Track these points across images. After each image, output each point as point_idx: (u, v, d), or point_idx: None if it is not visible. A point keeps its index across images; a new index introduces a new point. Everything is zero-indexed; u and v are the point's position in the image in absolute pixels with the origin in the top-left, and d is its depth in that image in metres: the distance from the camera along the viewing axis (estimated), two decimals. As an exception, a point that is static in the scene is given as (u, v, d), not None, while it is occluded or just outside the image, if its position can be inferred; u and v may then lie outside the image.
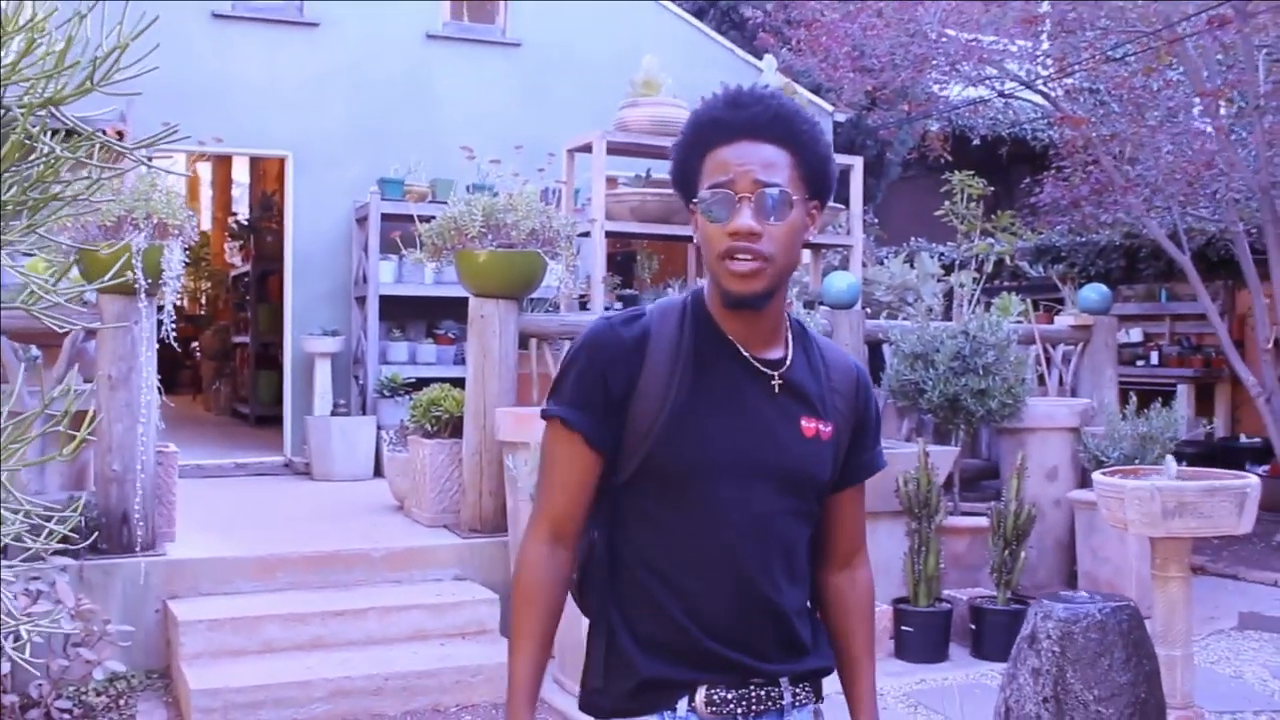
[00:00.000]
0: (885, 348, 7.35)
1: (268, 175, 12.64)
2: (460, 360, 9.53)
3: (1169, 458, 4.93)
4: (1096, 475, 4.87)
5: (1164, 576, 4.73)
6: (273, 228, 12.24)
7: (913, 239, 12.13)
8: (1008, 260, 9.28)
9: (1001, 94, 10.20)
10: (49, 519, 1.49)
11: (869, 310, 8.22)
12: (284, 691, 5.01)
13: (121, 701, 4.98)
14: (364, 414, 9.30)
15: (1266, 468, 9.49)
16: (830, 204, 7.72)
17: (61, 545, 1.57)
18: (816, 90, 11.00)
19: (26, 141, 1.51)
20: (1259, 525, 9.00)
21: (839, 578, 2.06)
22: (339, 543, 6.29)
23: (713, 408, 1.87)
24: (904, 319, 7.44)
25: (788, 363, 1.92)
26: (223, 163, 14.97)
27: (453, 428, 6.82)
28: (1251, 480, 4.65)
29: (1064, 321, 8.45)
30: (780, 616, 1.90)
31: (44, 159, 1.62)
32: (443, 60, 10.24)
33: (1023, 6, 9.32)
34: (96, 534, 5.52)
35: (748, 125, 1.82)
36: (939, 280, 7.93)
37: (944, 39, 9.38)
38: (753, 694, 1.87)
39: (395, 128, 9.91)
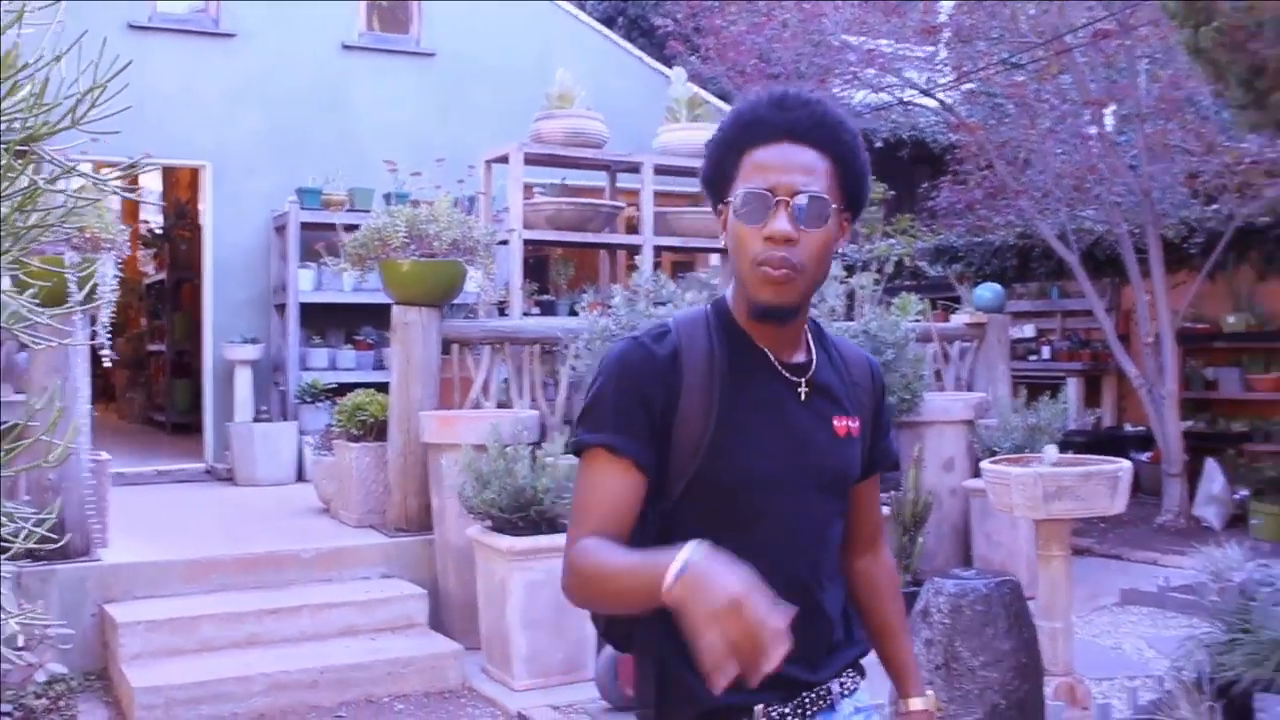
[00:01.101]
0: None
1: (180, 183, 12.70)
2: (379, 365, 9.75)
3: (1049, 445, 5.34)
4: (985, 464, 5.26)
5: (1047, 555, 5.13)
6: (187, 236, 12.31)
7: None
8: (907, 261, 9.71)
9: (902, 101, 10.63)
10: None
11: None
12: (223, 687, 5.22)
13: (61, 703, 5.16)
14: (285, 420, 9.46)
15: (1149, 454, 10.03)
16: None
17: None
18: (724, 97, 11.35)
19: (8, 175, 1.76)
20: (1142, 509, 9.62)
21: (865, 561, 2.09)
22: (269, 544, 6.50)
23: (754, 420, 1.85)
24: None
25: (813, 366, 1.90)
26: (99, 168, 14.92)
27: (377, 431, 7.05)
28: (1124, 465, 5.07)
29: (960, 320, 8.89)
30: (831, 619, 1.92)
31: (24, 190, 1.88)
32: (358, 70, 10.43)
33: (922, 19, 9.76)
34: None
35: (791, 128, 1.77)
36: (842, 281, 8.30)
37: (847, 48, 9.78)
38: (805, 699, 1.87)
39: (312, 137, 10.08)
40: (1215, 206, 9.47)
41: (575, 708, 5.34)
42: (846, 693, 1.93)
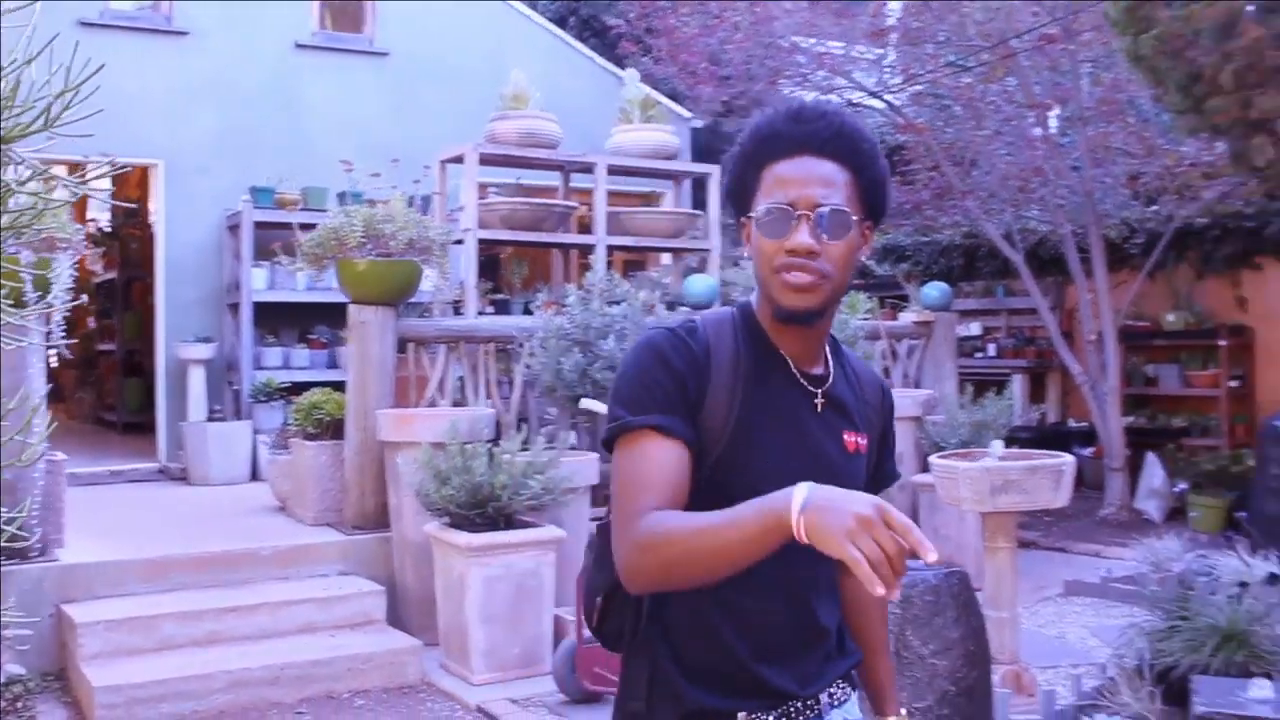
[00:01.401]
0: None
1: (129, 182, 12.62)
2: (333, 364, 9.77)
3: (995, 441, 5.49)
4: (933, 459, 5.41)
5: (993, 548, 5.29)
6: (137, 235, 12.24)
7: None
8: (855, 261, 9.86)
9: (851, 103, 10.76)
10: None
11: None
12: (184, 685, 5.25)
13: (19, 704, 5.16)
14: (239, 419, 9.45)
15: (1092, 450, 10.25)
16: (689, 210, 8.17)
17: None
18: (674, 97, 11.46)
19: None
20: (1085, 502, 9.83)
21: (856, 580, 1.94)
22: (227, 543, 6.52)
23: (769, 424, 1.86)
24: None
25: (830, 378, 1.91)
26: (75, 168, 14.80)
27: (334, 430, 7.09)
28: (1067, 459, 5.24)
29: (908, 318, 9.05)
30: (824, 634, 1.93)
31: None
32: (312, 69, 10.44)
33: (870, 21, 9.91)
34: (-11, 541, 5.67)
35: (810, 140, 1.79)
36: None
37: (797, 50, 9.91)
38: (790, 709, 1.87)
39: (266, 136, 10.07)
40: (1155, 208, 9.69)
41: (533, 700, 5.42)
42: (836, 704, 1.94)
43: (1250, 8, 6.05)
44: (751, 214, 1.81)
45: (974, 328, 12.09)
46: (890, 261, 11.78)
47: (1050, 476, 5.13)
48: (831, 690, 1.92)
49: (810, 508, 1.48)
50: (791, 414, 1.86)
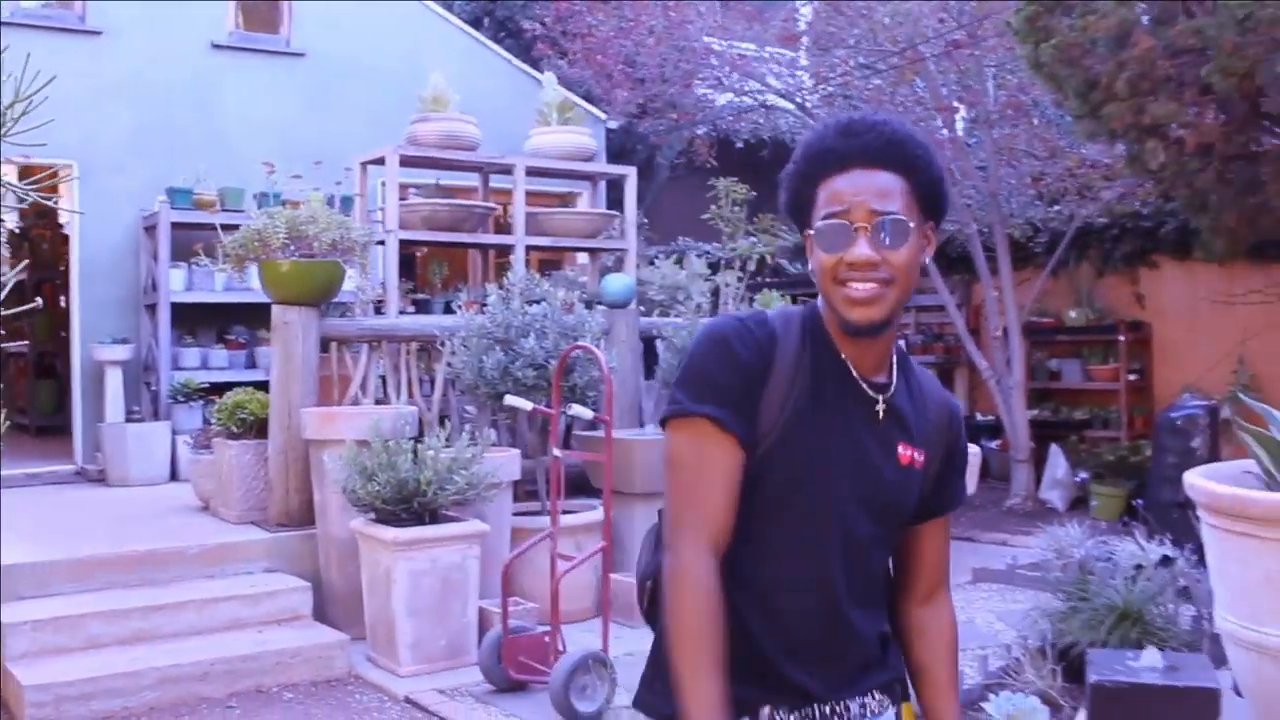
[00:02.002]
0: (659, 343, 7.98)
1: (39, 182, 12.47)
2: (251, 364, 9.79)
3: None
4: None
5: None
6: (47, 235, 12.11)
7: (680, 239, 12.89)
8: (768, 259, 10.08)
9: (764, 105, 11.02)
10: None
11: (643, 309, 8.88)
12: (114, 682, 5.28)
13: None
14: (158, 420, 9.43)
15: (998, 442, 10.60)
16: (605, 210, 8.32)
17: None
18: (590, 99, 11.61)
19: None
20: (993, 493, 10.17)
21: (921, 612, 2.05)
22: (152, 542, 6.54)
23: (823, 426, 1.86)
24: (675, 316, 8.11)
25: (892, 388, 1.91)
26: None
27: (258, 429, 7.14)
28: (972, 450, 5.48)
29: (820, 314, 9.29)
30: (860, 641, 1.92)
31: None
32: (228, 69, 10.41)
33: (782, 26, 10.15)
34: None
35: (861, 153, 1.80)
36: (706, 279, 8.64)
37: (710, 54, 10.12)
38: (815, 712, 1.89)
39: (183, 136, 10.04)
40: (1058, 208, 10.05)
41: (460, 690, 5.55)
42: (869, 715, 1.93)
43: (1145, 20, 6.37)
44: (810, 230, 1.83)
45: (884, 324, 12.39)
46: (803, 260, 12.02)
47: (956, 466, 5.37)
48: (865, 700, 1.92)
49: None
50: (846, 419, 1.86)
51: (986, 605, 7.28)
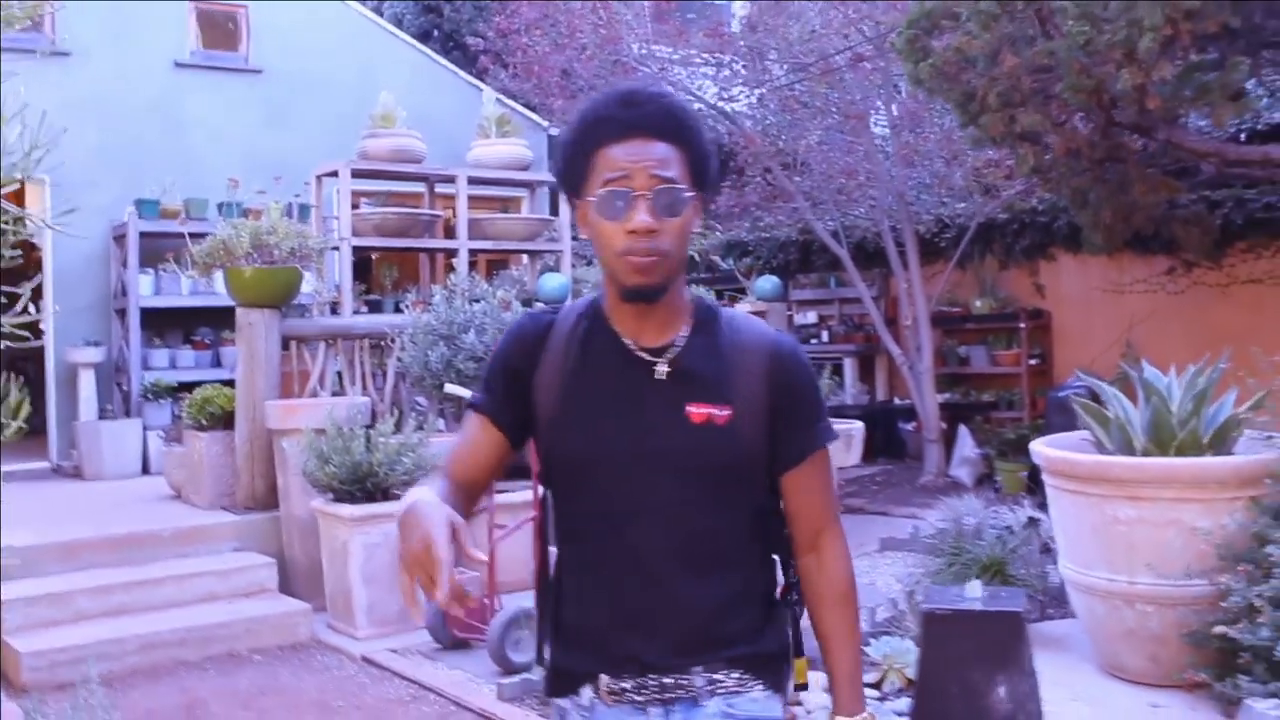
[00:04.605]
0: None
1: (10, 195, 13.04)
2: (217, 363, 10.47)
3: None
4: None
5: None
6: (20, 246, 12.69)
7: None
8: (697, 257, 10.83)
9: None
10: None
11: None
12: (101, 649, 5.93)
13: (-52, 674, 5.84)
14: (130, 417, 10.09)
15: (914, 424, 11.39)
16: (542, 216, 9.06)
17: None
18: (533, 107, 12.32)
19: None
20: (908, 471, 10.97)
21: (806, 560, 1.99)
22: (130, 526, 7.24)
23: (599, 401, 1.90)
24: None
25: (676, 349, 1.91)
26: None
27: (225, 422, 7.82)
28: (855, 425, 6.28)
29: (743, 308, 10.05)
30: (691, 610, 1.89)
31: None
32: (191, 86, 11.09)
33: (705, 40, 10.89)
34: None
35: (641, 122, 1.83)
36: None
37: (640, 70, 10.85)
38: (651, 683, 1.89)
39: (149, 150, 10.70)
40: (963, 205, 10.82)
41: (410, 649, 6.26)
42: (718, 691, 1.90)
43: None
44: (588, 196, 1.86)
45: (810, 316, 13.18)
46: (734, 256, 12.78)
47: (843, 440, 6.16)
48: (712, 675, 1.90)
49: (401, 516, 1.71)
50: (623, 389, 1.90)
51: (889, 570, 8.04)
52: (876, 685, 5.29)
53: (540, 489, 2.10)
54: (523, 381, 1.96)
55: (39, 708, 3.89)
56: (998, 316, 11.19)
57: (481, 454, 1.97)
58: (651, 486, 1.88)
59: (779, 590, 2.03)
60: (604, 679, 1.91)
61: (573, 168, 1.90)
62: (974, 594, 4.38)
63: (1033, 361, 11.00)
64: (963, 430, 10.57)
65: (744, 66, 11.10)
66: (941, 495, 9.60)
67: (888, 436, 11.67)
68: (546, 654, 2.02)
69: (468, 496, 1.94)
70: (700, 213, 1.94)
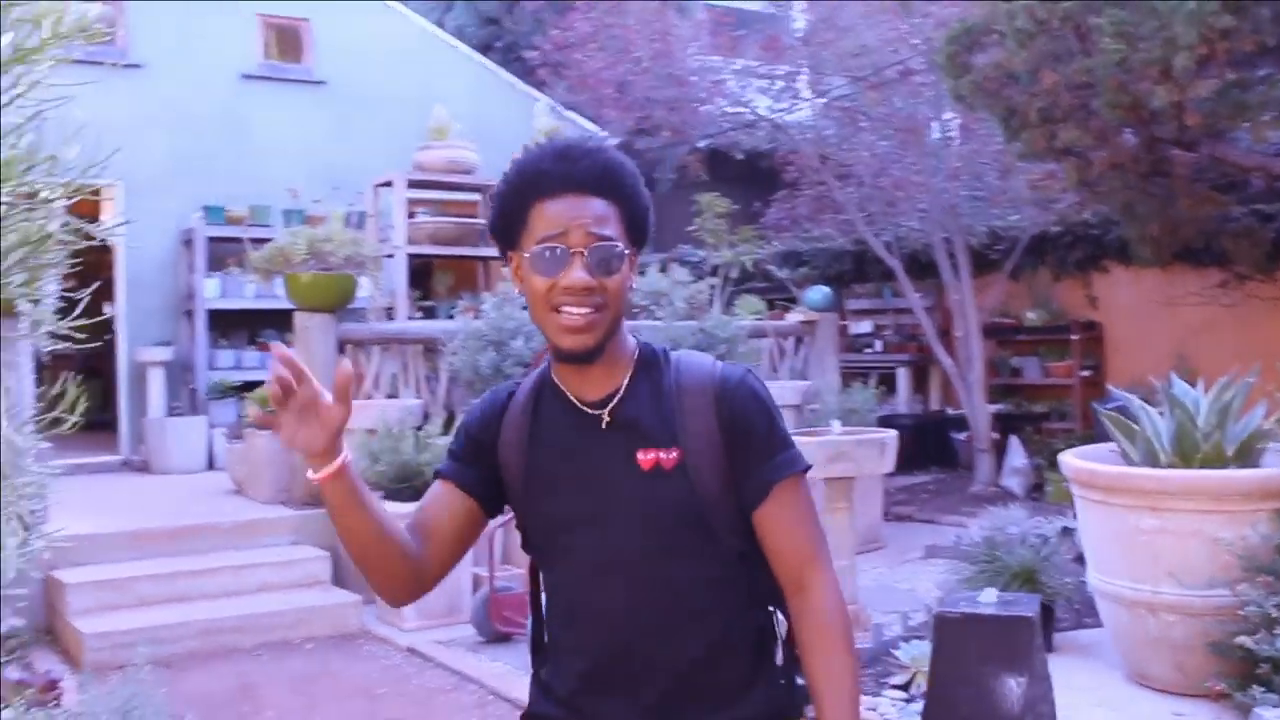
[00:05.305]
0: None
1: (84, 201, 13.54)
2: (281, 365, 10.79)
3: (833, 420, 6.62)
4: (781, 436, 6.50)
5: (833, 508, 6.38)
6: (91, 247, 13.16)
7: (681, 246, 13.74)
8: (750, 266, 10.94)
9: (748, 125, 11.89)
10: None
11: (634, 313, 9.77)
12: (161, 633, 6.25)
13: (17, 653, 6.15)
14: (196, 414, 10.46)
15: (966, 434, 11.43)
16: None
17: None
18: (589, 119, 12.53)
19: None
20: (959, 480, 11.02)
21: (794, 603, 1.87)
22: (193, 518, 7.57)
23: (556, 461, 1.88)
24: (655, 320, 9.02)
25: (617, 399, 1.87)
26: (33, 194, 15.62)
27: (284, 420, 8.10)
28: (889, 434, 6.37)
29: (794, 318, 10.20)
30: (666, 669, 1.84)
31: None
32: (257, 97, 11.48)
33: (761, 55, 11.05)
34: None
35: (578, 178, 1.79)
36: (687, 285, 9.51)
37: (692, 81, 11.02)
38: None
39: (216, 159, 11.10)
40: (1016, 217, 10.86)
41: (454, 642, 6.49)
42: None
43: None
44: (523, 251, 1.82)
45: (865, 325, 13.25)
46: (790, 266, 12.88)
47: (875, 447, 6.27)
48: None
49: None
50: (576, 446, 1.87)
51: (931, 576, 8.11)
52: (904, 687, 5.40)
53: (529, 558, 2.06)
54: (487, 452, 1.94)
55: (93, 683, 4.14)
56: (1050, 328, 11.21)
57: (440, 512, 1.93)
58: (617, 542, 1.83)
59: (779, 643, 1.91)
60: None
61: (508, 221, 1.86)
62: (988, 599, 4.50)
63: (1085, 373, 11.01)
64: (1013, 440, 10.61)
65: (798, 79, 11.24)
66: (990, 504, 9.71)
67: (940, 446, 11.74)
68: (531, 702, 2.01)
69: (423, 539, 1.92)
70: (635, 267, 1.89)
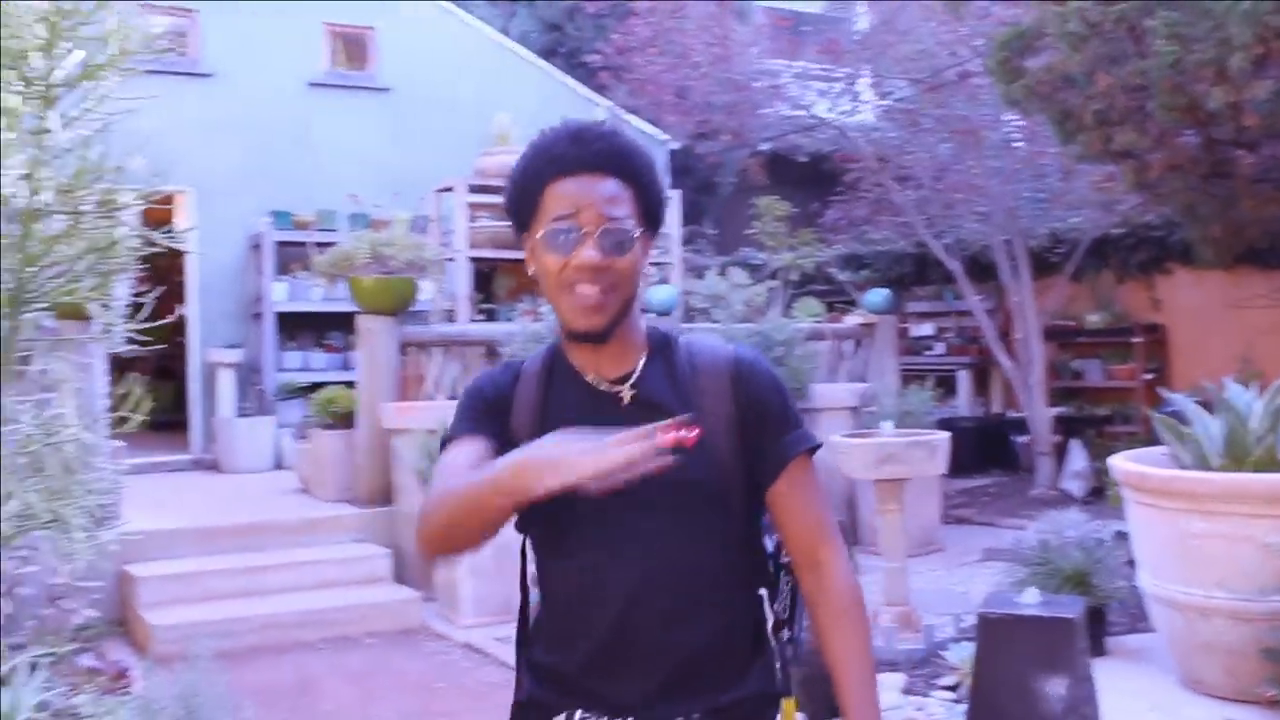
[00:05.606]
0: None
1: (157, 207, 13.88)
2: (346, 366, 11.02)
3: (885, 421, 6.66)
4: (833, 437, 6.55)
5: (884, 510, 6.41)
6: (164, 251, 13.51)
7: (744, 249, 13.81)
8: (809, 268, 10.99)
9: (807, 128, 11.93)
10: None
11: (692, 315, 9.87)
12: (227, 626, 6.44)
13: (91, 643, 6.37)
14: (264, 415, 10.71)
15: (1028, 437, 11.38)
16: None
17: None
18: (651, 123, 12.63)
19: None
20: (1018, 483, 10.97)
21: (808, 581, 1.90)
22: (259, 516, 7.79)
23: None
24: (713, 323, 9.10)
25: (635, 377, 1.88)
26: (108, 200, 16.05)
27: (347, 420, 8.30)
28: (941, 435, 6.39)
29: (853, 320, 10.22)
30: (672, 651, 1.84)
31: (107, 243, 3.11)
32: (323, 104, 11.73)
33: (818, 58, 11.08)
34: (64, 513, 6.89)
35: (590, 159, 1.81)
36: (747, 288, 9.57)
37: (753, 85, 11.08)
38: None
39: (283, 165, 11.36)
40: (1077, 219, 10.80)
41: (511, 638, 6.57)
42: None
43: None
44: (535, 232, 1.84)
45: (926, 328, 13.23)
46: (851, 269, 12.89)
47: (926, 449, 6.29)
48: (695, 716, 1.85)
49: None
50: (595, 423, 1.74)
51: (987, 579, 8.11)
52: (954, 688, 5.44)
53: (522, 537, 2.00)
54: (501, 421, 1.90)
55: (157, 672, 4.31)
56: (1112, 331, 11.13)
57: (477, 461, 1.82)
58: (628, 522, 1.81)
59: (770, 626, 1.95)
60: (579, 713, 1.87)
61: (521, 202, 1.88)
62: (1030, 600, 4.53)
63: (1149, 376, 10.90)
64: (1074, 444, 10.55)
65: (857, 82, 11.25)
66: (1050, 508, 9.67)
67: (1001, 449, 11.70)
68: (520, 691, 1.98)
69: None
70: (649, 251, 1.90)
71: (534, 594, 2.03)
